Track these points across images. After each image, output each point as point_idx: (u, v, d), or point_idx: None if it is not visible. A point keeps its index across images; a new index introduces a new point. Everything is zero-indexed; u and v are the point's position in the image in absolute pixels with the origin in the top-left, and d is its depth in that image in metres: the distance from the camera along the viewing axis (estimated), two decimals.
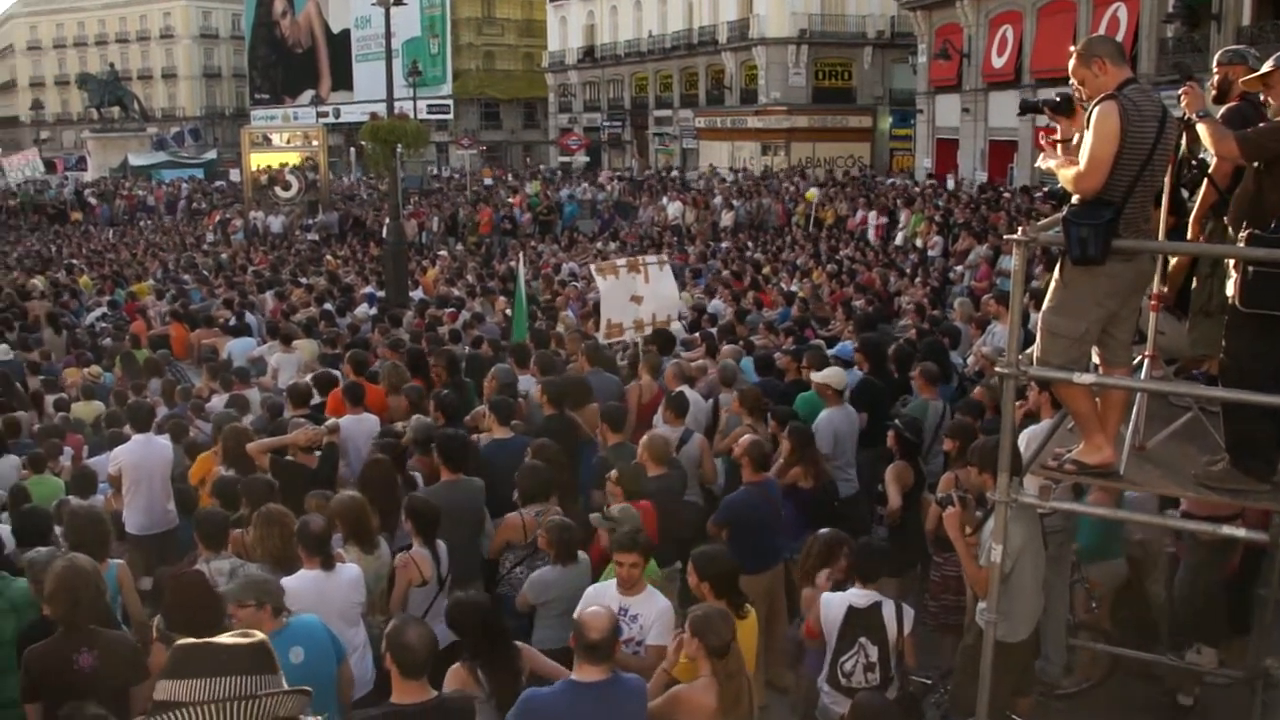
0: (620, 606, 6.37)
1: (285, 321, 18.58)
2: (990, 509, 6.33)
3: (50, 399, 14.78)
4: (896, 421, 9.57)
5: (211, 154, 74.24)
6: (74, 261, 34.22)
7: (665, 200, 40.15)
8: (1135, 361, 6.00)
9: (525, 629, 7.20)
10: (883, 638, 6.59)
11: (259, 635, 2.61)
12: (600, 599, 6.34)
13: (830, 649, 6.67)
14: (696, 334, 15.35)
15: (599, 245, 32.92)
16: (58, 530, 7.98)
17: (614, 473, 8.16)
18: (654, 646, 6.45)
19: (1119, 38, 28.86)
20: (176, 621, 6.19)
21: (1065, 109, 5.80)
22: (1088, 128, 5.28)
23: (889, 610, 6.64)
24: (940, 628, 8.44)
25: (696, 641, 5.77)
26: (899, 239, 29.02)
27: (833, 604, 6.68)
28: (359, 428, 10.33)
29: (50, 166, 68.15)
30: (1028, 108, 6.19)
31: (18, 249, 40.13)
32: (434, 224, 39.75)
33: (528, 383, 11.48)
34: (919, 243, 27.54)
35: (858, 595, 6.66)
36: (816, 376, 10.30)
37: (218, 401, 13.45)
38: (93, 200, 52.02)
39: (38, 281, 28.55)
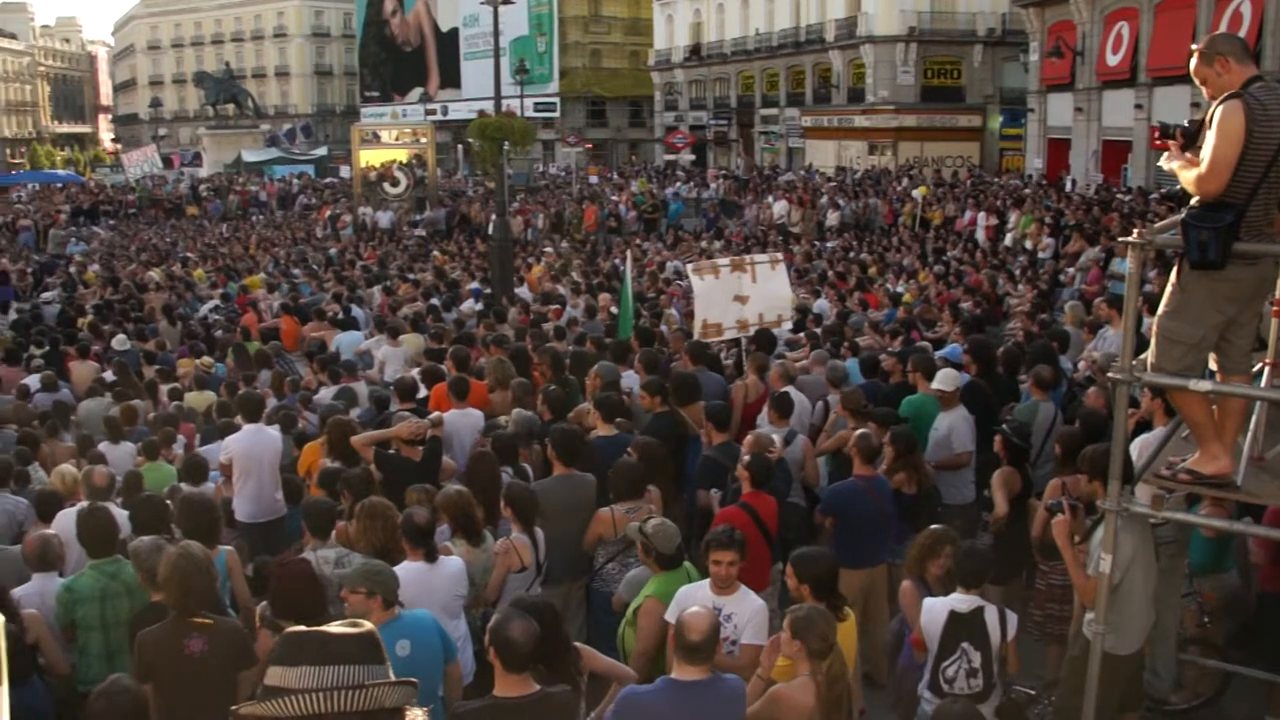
0: (714, 606, 6.34)
1: (392, 316, 18.80)
2: (1100, 518, 6.20)
3: (165, 388, 15.10)
4: (1004, 426, 9.43)
5: (322, 150, 75.42)
6: (188, 255, 34.92)
7: (771, 199, 39.94)
8: (1255, 369, 5.85)
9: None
10: (985, 643, 6.48)
11: (367, 625, 2.63)
12: (695, 599, 6.33)
13: (931, 655, 6.57)
14: (801, 334, 15.27)
15: (703, 244, 32.84)
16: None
17: (746, 457, 8.16)
18: (749, 646, 6.42)
19: (1242, 33, 28.03)
20: (282, 608, 6.32)
21: (1194, 141, 5.58)
22: (1210, 127, 5.14)
23: (992, 615, 6.52)
24: (1045, 637, 8.31)
25: (797, 643, 5.73)
26: (1008, 240, 28.58)
27: (934, 609, 6.58)
28: (463, 422, 10.42)
29: (167, 162, 69.76)
30: (1166, 133, 6.02)
31: (135, 242, 40.98)
32: (539, 221, 39.93)
33: (632, 379, 11.50)
34: (1029, 244, 27.09)
35: (959, 600, 6.56)
36: (934, 385, 10.17)
37: (325, 394, 13.66)
38: (207, 195, 53.01)
39: (154, 274, 29.22)
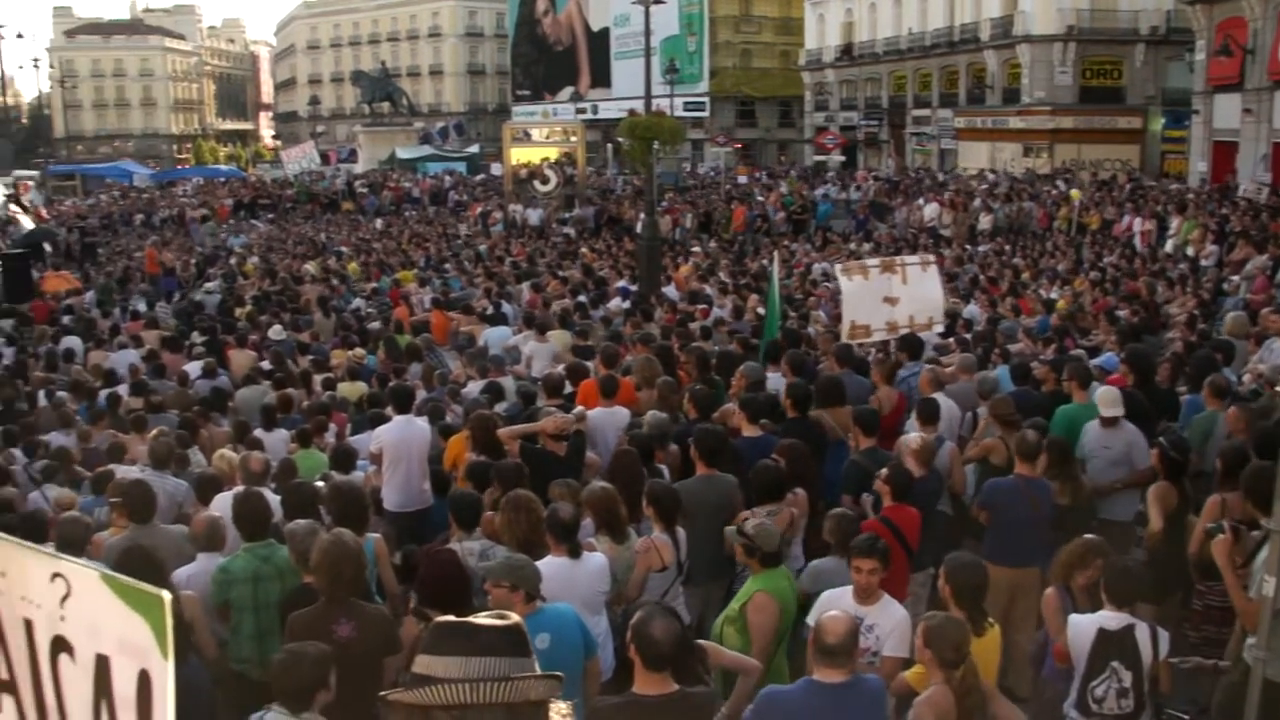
0: (856, 615, 6.24)
1: (545, 310, 18.97)
2: (1264, 538, 5.95)
3: (318, 378, 15.40)
4: (1161, 439, 9.13)
5: (474, 148, 76.55)
6: (343, 249, 35.70)
7: (922, 201, 39.42)
8: None
9: None
10: (1136, 662, 6.24)
11: (515, 618, 2.64)
12: (836, 605, 6.25)
13: (1079, 674, 6.36)
14: (951, 339, 15.02)
15: (852, 246, 32.54)
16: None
17: (884, 471, 8.05)
18: (890, 658, 6.33)
19: None
20: (428, 597, 6.41)
21: None
22: None
23: (1143, 633, 6.28)
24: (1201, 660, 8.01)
25: (929, 651, 5.64)
26: (1168, 246, 27.77)
27: (1081, 625, 6.35)
28: (610, 420, 10.45)
29: (324, 159, 71.35)
30: None
31: (293, 236, 42.02)
32: (688, 220, 39.93)
33: (778, 381, 11.43)
34: (1190, 251, 26.28)
35: (1109, 617, 6.33)
36: (1102, 411, 9.83)
37: (473, 387, 13.83)
38: (362, 191, 54.13)
39: (310, 267, 29.95)
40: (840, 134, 59.24)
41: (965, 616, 6.10)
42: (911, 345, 12.69)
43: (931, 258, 15.30)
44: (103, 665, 2.00)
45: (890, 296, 13.04)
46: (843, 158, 56.66)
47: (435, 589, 6.43)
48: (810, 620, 6.16)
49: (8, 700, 2.17)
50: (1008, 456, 9.33)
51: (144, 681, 1.97)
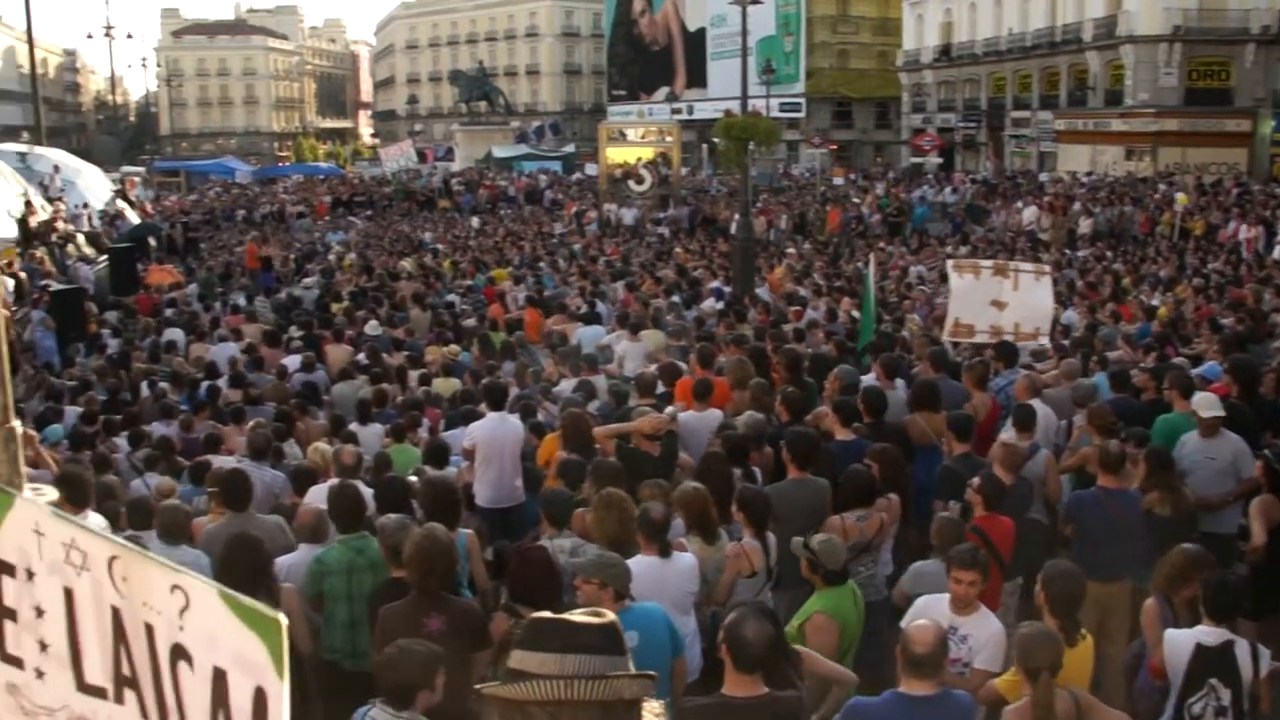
0: (951, 625, 6.17)
1: (641, 309, 18.98)
2: None
3: (414, 374, 15.57)
4: (1266, 451, 8.91)
5: (570, 148, 76.96)
6: (439, 246, 36.03)
7: (1020, 204, 38.90)
8: None
9: None
10: (1236, 680, 6.07)
11: (610, 616, 2.65)
12: (931, 613, 6.18)
13: (1175, 691, 6.21)
14: (1049, 345, 14.78)
15: (948, 249, 32.20)
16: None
17: (976, 480, 7.94)
18: (980, 670, 6.23)
19: None
20: (519, 593, 6.44)
21: None
22: None
23: (1243, 650, 6.10)
24: None
25: (1018, 662, 5.56)
26: (1276, 253, 27.12)
27: (1178, 641, 6.19)
28: (702, 422, 10.43)
29: (421, 157, 72.15)
30: None
31: (390, 233, 42.47)
32: (782, 222, 39.76)
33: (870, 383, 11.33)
34: None
35: (1207, 633, 6.15)
36: (1201, 412, 9.59)
37: (565, 386, 13.87)
38: (458, 189, 54.60)
39: (406, 264, 30.26)
40: (937, 136, 58.58)
41: (1059, 626, 6.00)
42: (1008, 353, 12.49)
43: (1047, 268, 15.00)
44: (220, 678, 2.04)
45: (999, 300, 12.84)
46: (940, 160, 56.09)
47: (526, 585, 6.45)
48: (903, 624, 6.10)
49: (130, 695, 2.22)
50: None
51: (259, 698, 2.01)
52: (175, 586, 2.05)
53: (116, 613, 2.16)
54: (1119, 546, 8.16)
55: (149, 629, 2.11)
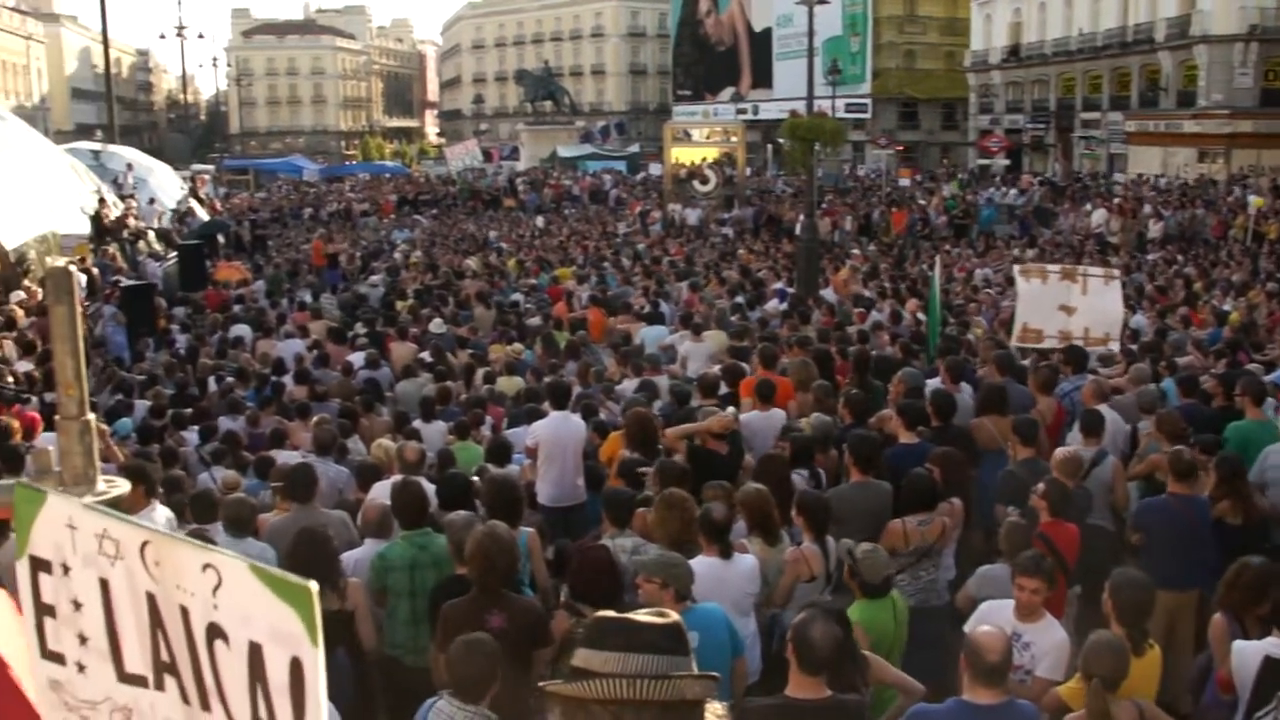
0: (1014, 632, 6.09)
1: (705, 309, 18.94)
2: None
3: (478, 372, 15.67)
4: None
5: (634, 148, 77.08)
6: (503, 245, 36.19)
7: (1089, 206, 38.45)
8: None
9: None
10: None
11: (674, 616, 2.64)
12: (994, 619, 6.11)
13: (1244, 703, 6.10)
14: (1117, 350, 14.60)
15: (1016, 251, 31.90)
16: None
17: (1041, 486, 7.85)
18: (1042, 679, 6.14)
19: None
20: (580, 592, 6.45)
21: None
22: None
23: None
24: None
25: (1082, 670, 5.49)
26: None
27: (1246, 652, 6.06)
28: (765, 423, 10.41)
29: (487, 156, 72.53)
30: None
31: (455, 231, 42.71)
32: (847, 223, 39.56)
33: (936, 387, 11.25)
34: None
35: (1277, 645, 6.09)
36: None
37: (628, 385, 13.88)
38: (523, 188, 54.81)
39: (471, 262, 30.42)
40: (1005, 137, 58.05)
41: (1126, 635, 5.91)
42: (1076, 357, 12.33)
43: (1116, 272, 14.84)
44: (256, 652, 2.05)
45: (1067, 305, 12.71)
46: (1007, 161, 55.57)
47: (587, 584, 6.46)
48: (966, 629, 6.03)
49: (171, 681, 2.24)
50: None
51: (296, 668, 2.02)
52: (207, 565, 2.08)
53: (152, 598, 2.18)
54: (1189, 555, 8.03)
55: (184, 611, 2.13)
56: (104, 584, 2.22)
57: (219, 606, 2.07)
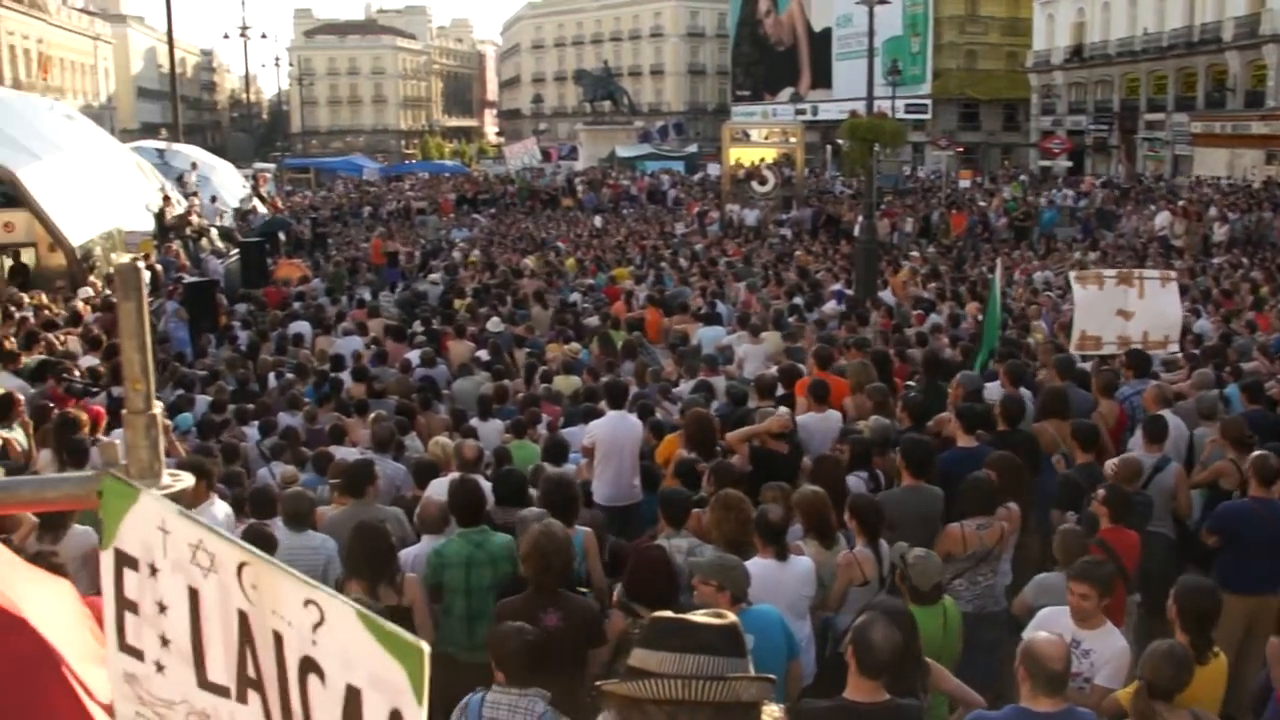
0: (1073, 638, 6.02)
1: (764, 310, 18.89)
2: None
3: (536, 370, 15.70)
4: None
5: (693, 148, 76.95)
6: (561, 244, 36.28)
7: (1153, 209, 37.99)
8: None
9: None
10: None
11: (731, 617, 2.64)
12: (1054, 625, 6.05)
13: None
14: (1180, 354, 14.41)
15: (1077, 254, 31.56)
16: (532, 492, 8.52)
17: (1101, 492, 7.76)
18: (1101, 687, 6.07)
19: None
20: (635, 592, 6.45)
21: None
22: None
23: None
24: None
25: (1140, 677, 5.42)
26: None
27: None
28: (823, 425, 10.36)
29: (545, 155, 72.76)
30: None
31: (513, 231, 42.87)
32: (907, 224, 39.35)
33: (997, 391, 11.16)
34: None
35: None
36: None
37: (685, 386, 13.88)
38: (581, 188, 54.92)
39: (529, 261, 30.53)
40: (1067, 138, 57.47)
41: (1189, 642, 5.83)
42: (1139, 361, 12.18)
43: (1172, 274, 14.67)
44: (353, 696, 2.01)
45: (1125, 310, 12.58)
46: (1069, 163, 55.02)
47: (643, 584, 6.47)
48: (1025, 635, 5.97)
49: (254, 696, 2.22)
50: (1240, 480, 8.89)
51: (396, 718, 1.99)
52: (309, 601, 2.04)
53: (244, 617, 2.15)
54: (1270, 560, 7.91)
55: (278, 637, 2.10)
56: (193, 593, 2.20)
57: (318, 643, 2.04)
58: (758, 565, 6.64)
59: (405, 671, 1.93)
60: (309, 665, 2.06)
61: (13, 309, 18.80)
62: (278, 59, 79.10)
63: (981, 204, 42.84)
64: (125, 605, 2.30)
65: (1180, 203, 38.12)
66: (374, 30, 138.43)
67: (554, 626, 6.18)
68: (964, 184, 52.37)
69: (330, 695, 2.04)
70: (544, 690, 5.40)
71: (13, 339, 15.28)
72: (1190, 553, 9.02)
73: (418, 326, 19.54)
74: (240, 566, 2.12)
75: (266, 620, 2.10)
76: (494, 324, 18.98)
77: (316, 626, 2.02)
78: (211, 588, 2.17)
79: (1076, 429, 9.39)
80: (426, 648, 1.91)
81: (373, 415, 11.80)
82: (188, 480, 2.50)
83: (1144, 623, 7.56)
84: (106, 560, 2.29)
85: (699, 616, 2.61)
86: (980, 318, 17.08)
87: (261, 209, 42.14)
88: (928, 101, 73.62)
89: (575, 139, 79.93)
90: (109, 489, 2.26)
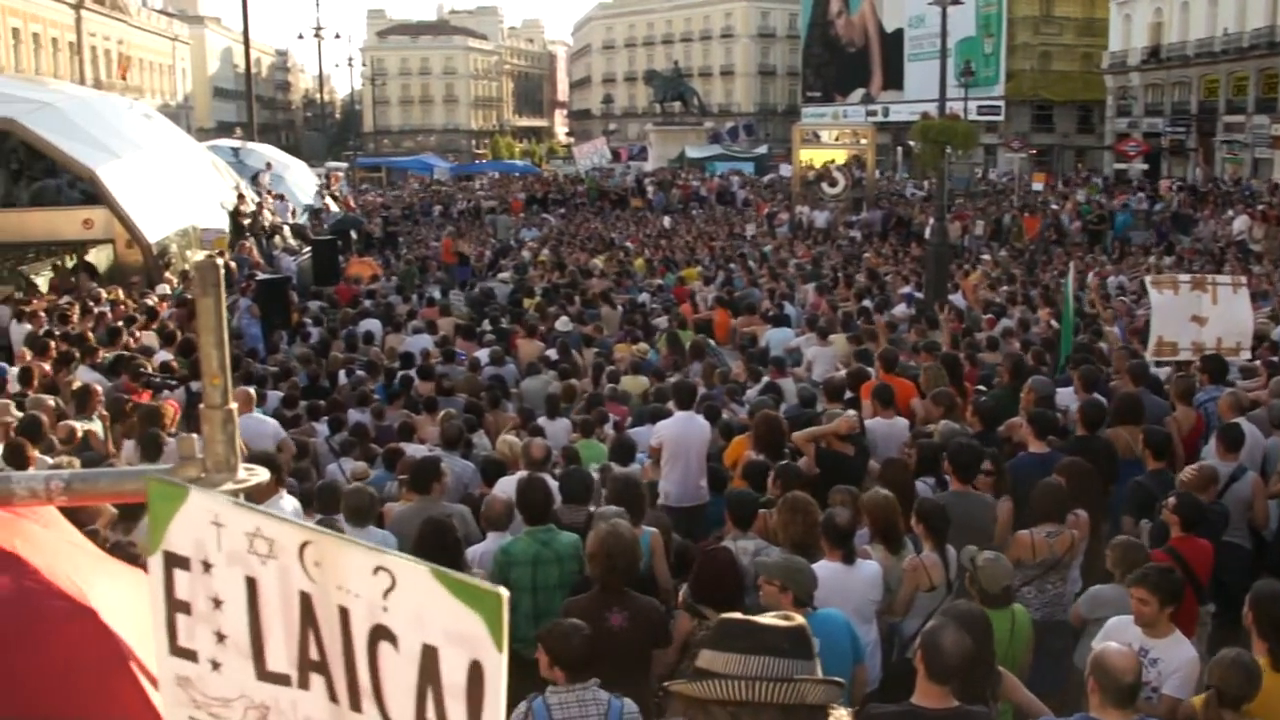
0: (1141, 647, 5.94)
1: (831, 313, 18.82)
2: None
3: (603, 370, 15.74)
4: None
5: (763, 149, 76.75)
6: (629, 244, 36.33)
7: (1231, 213, 37.34)
8: None
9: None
10: None
11: (799, 619, 2.64)
12: (1122, 634, 5.97)
13: None
14: (1258, 361, 14.16)
15: (1152, 259, 31.11)
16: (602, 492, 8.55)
17: (1172, 500, 7.64)
18: (1170, 697, 5.97)
19: None
20: (701, 593, 6.44)
21: None
22: None
23: None
24: None
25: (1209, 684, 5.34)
26: None
27: None
28: (890, 429, 10.31)
29: (616, 156, 72.84)
30: None
31: (582, 230, 42.99)
32: (978, 227, 38.96)
33: (1068, 397, 11.03)
34: None
35: None
36: None
37: (753, 388, 13.87)
38: (650, 188, 54.93)
39: (598, 261, 30.61)
40: (1143, 141, 56.67)
41: (1266, 650, 5.73)
42: (1215, 367, 11.99)
43: (1243, 279, 14.48)
44: (430, 655, 2.03)
45: (1199, 315, 12.41)
46: (1145, 166, 54.25)
47: (709, 586, 6.47)
48: (1094, 644, 5.90)
49: (317, 680, 2.23)
50: None
51: (475, 671, 2.00)
52: (380, 568, 2.06)
53: (306, 598, 2.17)
54: None
55: (343, 613, 2.12)
56: (250, 582, 2.21)
57: (389, 609, 2.05)
58: (825, 569, 6.62)
59: (483, 620, 1.95)
60: (379, 634, 2.07)
61: (90, 304, 19.13)
62: (351, 59, 79.89)
63: (1054, 207, 42.32)
64: (176, 607, 2.31)
65: (1260, 207, 37.42)
66: (446, 31, 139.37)
67: (619, 626, 6.19)
68: (1037, 187, 51.82)
69: (404, 660, 2.05)
70: (599, 690, 5.41)
71: (91, 334, 15.55)
72: (1267, 563, 8.87)
73: (487, 325, 19.64)
74: (302, 546, 2.13)
75: (331, 597, 2.12)
76: (562, 323, 19.05)
77: (388, 592, 2.04)
78: (270, 574, 2.19)
79: (1148, 436, 9.26)
80: (504, 592, 1.92)
81: (441, 413, 11.88)
82: (263, 475, 2.52)
83: (1218, 633, 7.42)
84: (155, 564, 2.30)
85: (767, 619, 2.61)
86: (1054, 323, 16.90)
87: (334, 207, 42.56)
88: (1000, 103, 72.88)
89: (645, 139, 79.94)
90: (155, 492, 2.27)
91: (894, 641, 7.22)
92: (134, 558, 4.08)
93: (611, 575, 6.33)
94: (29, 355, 14.45)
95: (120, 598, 2.84)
